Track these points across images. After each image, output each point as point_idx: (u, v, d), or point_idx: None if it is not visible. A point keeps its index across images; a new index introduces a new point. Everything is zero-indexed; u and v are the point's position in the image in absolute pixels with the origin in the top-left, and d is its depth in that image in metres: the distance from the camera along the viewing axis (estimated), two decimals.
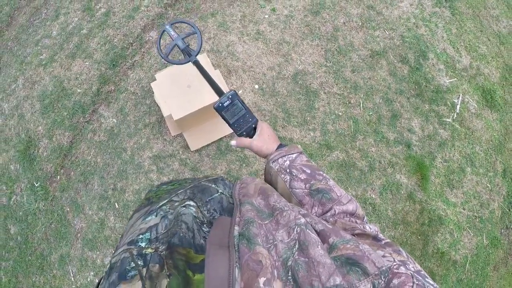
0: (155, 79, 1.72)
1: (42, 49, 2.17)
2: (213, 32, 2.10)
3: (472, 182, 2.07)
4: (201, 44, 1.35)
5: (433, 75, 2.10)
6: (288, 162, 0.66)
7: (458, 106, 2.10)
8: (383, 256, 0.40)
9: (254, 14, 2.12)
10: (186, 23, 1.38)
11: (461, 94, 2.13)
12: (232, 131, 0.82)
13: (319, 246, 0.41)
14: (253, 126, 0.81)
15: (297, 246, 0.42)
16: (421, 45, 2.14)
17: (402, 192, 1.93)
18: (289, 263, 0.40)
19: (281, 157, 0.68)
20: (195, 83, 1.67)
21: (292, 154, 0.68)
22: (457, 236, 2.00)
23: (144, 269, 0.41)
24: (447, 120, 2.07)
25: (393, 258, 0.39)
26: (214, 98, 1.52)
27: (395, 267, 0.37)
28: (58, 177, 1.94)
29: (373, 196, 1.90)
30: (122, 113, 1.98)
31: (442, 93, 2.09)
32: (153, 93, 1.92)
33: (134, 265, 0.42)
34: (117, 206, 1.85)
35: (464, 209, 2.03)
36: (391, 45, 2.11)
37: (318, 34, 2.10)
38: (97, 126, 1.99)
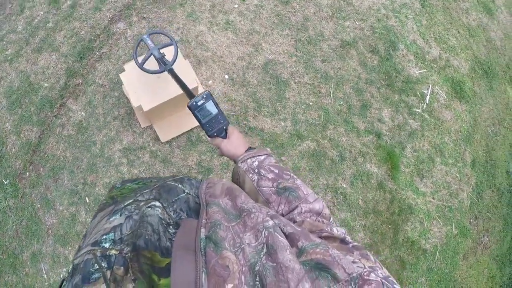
0: (124, 70, 1.67)
1: (7, 45, 2.10)
2: (182, 22, 2.06)
3: (442, 172, 2.10)
4: (177, 55, 1.41)
5: (403, 66, 2.12)
6: (256, 163, 0.67)
7: (427, 97, 2.13)
8: (353, 262, 0.39)
9: (224, 4, 2.09)
10: (163, 34, 1.43)
11: (430, 85, 2.15)
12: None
13: (287, 251, 0.40)
14: (224, 128, 0.82)
15: (265, 250, 0.41)
16: (391, 36, 2.15)
17: (373, 182, 1.94)
18: (257, 268, 0.39)
19: (250, 158, 0.69)
20: (164, 74, 1.63)
21: (260, 155, 0.69)
22: (427, 225, 2.02)
23: (108, 272, 0.40)
24: (417, 110, 2.09)
25: (363, 264, 0.39)
26: None
27: (365, 273, 0.37)
28: (28, 173, 1.88)
29: (344, 185, 1.89)
30: (91, 106, 1.93)
31: (412, 83, 2.11)
32: (122, 84, 1.86)
33: (98, 267, 0.41)
34: (87, 201, 1.80)
35: (433, 198, 2.06)
36: (361, 36, 2.12)
37: (288, 24, 2.08)
38: (66, 120, 1.93)
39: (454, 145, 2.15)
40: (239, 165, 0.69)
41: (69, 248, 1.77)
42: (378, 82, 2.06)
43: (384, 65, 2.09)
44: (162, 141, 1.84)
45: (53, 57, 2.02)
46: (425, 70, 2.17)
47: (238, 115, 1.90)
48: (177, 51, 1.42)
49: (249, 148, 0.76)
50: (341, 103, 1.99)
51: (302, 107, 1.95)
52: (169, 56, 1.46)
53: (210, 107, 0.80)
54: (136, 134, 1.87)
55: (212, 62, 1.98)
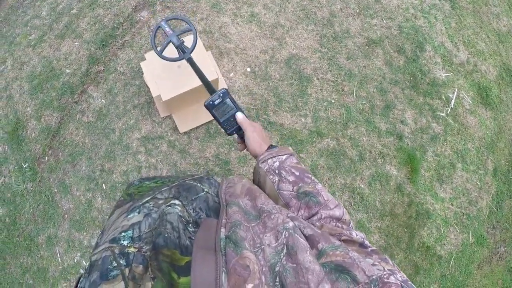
0: (145, 59, 1.67)
1: (31, 30, 2.12)
2: (206, 13, 2.04)
3: (462, 178, 2.05)
4: (196, 42, 1.35)
5: (430, 68, 2.07)
6: (277, 163, 0.65)
7: (452, 101, 2.07)
8: (373, 265, 0.38)
9: None
10: (182, 19, 1.37)
11: (456, 89, 2.10)
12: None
13: (307, 252, 0.40)
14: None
15: (285, 250, 0.41)
16: (419, 36, 2.10)
17: (391, 184, 1.90)
18: (277, 268, 0.39)
19: (271, 157, 0.67)
20: (185, 63, 1.62)
21: (282, 155, 0.67)
22: (443, 231, 1.98)
23: (127, 269, 0.40)
24: (441, 114, 2.04)
25: (383, 267, 0.38)
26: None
27: (385, 276, 0.37)
28: (46, 158, 1.90)
29: (362, 186, 1.87)
30: (111, 94, 1.94)
31: (437, 86, 2.06)
32: (143, 73, 1.87)
33: (116, 264, 0.41)
34: (104, 187, 1.82)
35: (452, 205, 2.01)
36: (388, 35, 2.07)
37: (314, 19, 2.05)
38: (86, 106, 1.94)
39: (476, 152, 2.09)
40: (260, 165, 0.67)
41: (84, 233, 1.80)
42: (403, 83, 2.02)
43: (410, 66, 2.04)
44: (181, 132, 1.84)
45: (76, 43, 2.04)
46: (451, 73, 2.11)
47: (259, 109, 1.89)
48: (196, 38, 1.36)
49: (271, 146, 0.74)
50: (364, 102, 1.96)
51: (324, 104, 1.92)
52: (188, 44, 1.39)
53: (228, 105, 0.78)
54: (155, 124, 1.88)
55: (235, 54, 1.96)
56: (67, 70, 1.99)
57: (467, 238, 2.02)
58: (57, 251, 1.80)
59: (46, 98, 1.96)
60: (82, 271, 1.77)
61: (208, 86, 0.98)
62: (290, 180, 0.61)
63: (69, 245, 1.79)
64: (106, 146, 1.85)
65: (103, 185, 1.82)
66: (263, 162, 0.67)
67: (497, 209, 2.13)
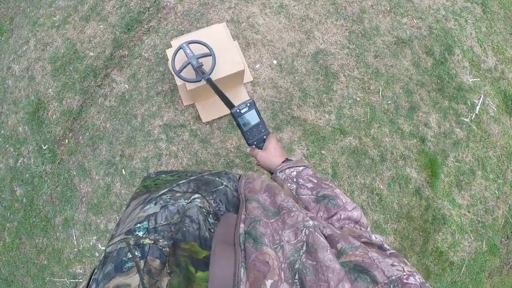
0: (170, 46, 1.64)
1: (55, 11, 2.10)
2: (234, 2, 2.01)
3: (481, 186, 2.03)
4: (214, 66, 1.45)
5: (457, 72, 2.03)
6: (295, 173, 0.67)
7: (477, 107, 2.04)
8: (392, 265, 0.38)
9: None
10: (202, 44, 1.47)
11: (482, 96, 2.06)
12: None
13: (328, 251, 0.40)
14: (264, 137, 0.82)
15: (304, 248, 0.41)
16: (448, 39, 2.06)
17: (410, 187, 1.89)
18: (297, 265, 0.39)
19: (288, 168, 0.69)
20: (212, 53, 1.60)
21: (299, 166, 0.69)
22: (458, 238, 1.97)
23: (142, 261, 0.39)
24: (465, 120, 2.01)
25: (402, 268, 0.38)
26: (231, 70, 1.49)
27: (404, 277, 0.36)
28: (66, 140, 1.89)
29: (381, 186, 1.85)
30: (135, 79, 1.91)
31: (463, 91, 2.02)
32: (168, 60, 1.84)
33: (130, 256, 0.40)
34: (124, 173, 1.81)
35: (469, 212, 2.00)
36: (417, 35, 2.03)
37: (343, 14, 2.01)
38: (109, 91, 1.92)
39: (497, 161, 2.07)
40: (278, 174, 0.68)
41: (101, 217, 1.80)
42: (430, 85, 1.99)
43: (437, 69, 2.01)
44: (203, 121, 1.82)
45: (101, 26, 2.01)
46: (478, 79, 2.07)
47: (283, 103, 1.86)
48: (215, 62, 1.44)
49: (287, 160, 0.75)
50: (389, 102, 1.93)
51: (349, 102, 1.89)
52: (206, 65, 1.50)
53: (253, 115, 0.81)
54: (177, 112, 1.86)
55: (262, 45, 1.93)
56: (91, 53, 1.97)
57: (480, 246, 2.01)
58: (73, 234, 1.80)
59: (68, 81, 1.94)
60: (97, 255, 1.77)
61: (227, 102, 1.03)
62: (309, 186, 0.62)
63: (85, 228, 1.79)
64: (128, 132, 1.84)
65: (123, 170, 1.81)
66: (280, 171, 0.69)
67: None
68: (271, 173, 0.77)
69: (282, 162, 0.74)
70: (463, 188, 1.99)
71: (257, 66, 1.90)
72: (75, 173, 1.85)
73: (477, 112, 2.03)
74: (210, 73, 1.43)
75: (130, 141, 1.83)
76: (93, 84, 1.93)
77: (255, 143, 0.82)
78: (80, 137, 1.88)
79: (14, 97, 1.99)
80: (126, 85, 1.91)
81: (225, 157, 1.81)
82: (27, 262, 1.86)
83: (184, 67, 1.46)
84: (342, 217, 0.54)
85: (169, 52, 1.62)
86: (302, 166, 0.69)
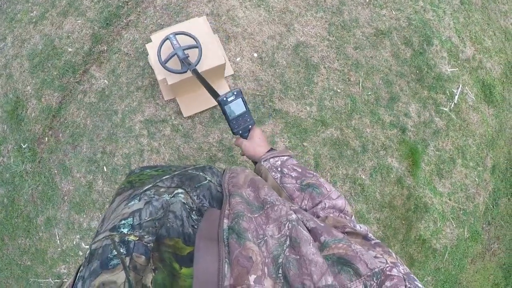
0: (150, 40, 1.63)
1: (32, 6, 2.05)
2: None
3: (461, 174, 2.07)
4: (200, 58, 1.45)
5: (436, 62, 2.06)
6: (279, 162, 0.68)
7: (456, 97, 2.08)
8: (375, 257, 0.39)
9: None
10: (189, 36, 1.48)
11: (460, 85, 2.10)
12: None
13: (311, 244, 0.40)
14: (250, 127, 0.83)
15: (288, 242, 0.41)
16: (426, 29, 2.08)
17: (392, 176, 1.91)
18: (280, 260, 0.39)
19: (273, 157, 0.70)
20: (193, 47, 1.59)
21: (283, 156, 0.70)
22: (440, 225, 2.00)
23: (127, 258, 0.39)
24: (444, 109, 2.04)
25: (385, 260, 0.39)
26: (212, 64, 1.48)
27: (387, 269, 0.37)
28: (46, 138, 1.86)
29: (363, 177, 1.87)
30: (114, 75, 1.89)
31: (442, 81, 2.05)
32: (148, 55, 1.82)
33: (116, 253, 0.40)
34: (105, 170, 1.79)
35: (450, 199, 2.03)
36: (396, 26, 2.05)
37: (323, 6, 2.02)
38: (88, 87, 1.90)
39: (476, 149, 2.11)
40: (262, 163, 0.69)
41: (84, 215, 1.78)
42: (409, 75, 2.01)
43: (416, 59, 2.03)
44: (185, 116, 1.81)
45: (79, 21, 1.98)
46: (457, 69, 2.11)
47: (264, 96, 1.87)
48: (201, 54, 1.45)
49: (271, 149, 0.76)
50: (369, 93, 1.95)
51: (330, 93, 1.91)
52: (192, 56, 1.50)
53: (239, 104, 0.80)
54: (158, 107, 1.85)
55: (242, 38, 1.93)
56: (69, 49, 1.94)
57: (462, 233, 2.05)
58: (56, 233, 1.78)
59: (47, 77, 1.91)
60: (81, 253, 1.75)
61: (213, 92, 1.03)
62: (293, 175, 0.62)
63: (68, 227, 1.77)
64: (108, 128, 1.82)
65: (104, 167, 1.79)
66: (265, 160, 0.70)
67: (493, 206, 2.16)
68: (255, 163, 0.78)
69: (267, 152, 0.75)
70: (443, 177, 2.02)
71: (238, 59, 1.90)
72: (56, 171, 1.82)
73: (456, 102, 2.07)
74: (196, 64, 1.42)
75: (111, 138, 1.81)
76: (72, 80, 1.90)
77: (240, 132, 0.82)
78: (60, 134, 1.86)
79: None
80: (105, 81, 1.89)
81: (208, 151, 1.80)
82: (10, 264, 1.83)
83: (170, 58, 1.45)
84: (326, 205, 0.54)
85: (149, 47, 1.60)
86: (286, 156, 0.70)
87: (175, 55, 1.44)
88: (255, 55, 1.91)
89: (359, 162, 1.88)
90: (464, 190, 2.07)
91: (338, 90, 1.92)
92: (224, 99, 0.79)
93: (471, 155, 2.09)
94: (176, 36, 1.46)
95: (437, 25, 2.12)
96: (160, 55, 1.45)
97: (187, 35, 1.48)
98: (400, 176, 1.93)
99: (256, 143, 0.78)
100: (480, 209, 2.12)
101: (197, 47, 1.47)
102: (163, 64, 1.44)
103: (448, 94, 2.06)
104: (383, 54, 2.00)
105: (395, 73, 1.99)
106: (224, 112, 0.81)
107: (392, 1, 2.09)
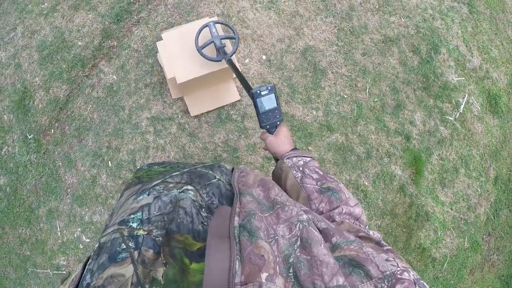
0: (161, 38, 1.63)
1: None
2: None
3: (464, 184, 2.07)
4: (236, 48, 1.46)
5: (443, 71, 2.06)
6: (301, 162, 0.68)
7: (462, 106, 2.08)
8: (387, 260, 0.39)
9: None
10: (229, 27, 1.50)
11: (467, 95, 2.10)
12: (258, 119, 0.85)
13: (322, 245, 0.40)
14: (277, 123, 0.83)
15: (298, 242, 0.41)
16: (435, 38, 2.09)
17: (395, 184, 1.91)
18: (291, 259, 0.39)
19: (296, 156, 0.71)
20: (206, 49, 1.58)
21: (306, 157, 0.71)
22: (440, 234, 2.00)
23: (136, 252, 0.39)
24: (450, 118, 2.05)
25: (397, 263, 0.38)
26: (221, 65, 1.49)
27: (398, 272, 0.37)
28: (52, 130, 1.87)
29: (366, 183, 1.87)
30: (123, 71, 1.90)
31: (448, 90, 2.06)
32: (157, 52, 1.83)
33: (125, 246, 0.40)
34: (110, 165, 1.79)
35: (451, 209, 2.04)
36: (405, 34, 2.05)
37: (333, 11, 2.02)
38: (96, 81, 1.90)
39: (480, 159, 2.11)
40: (285, 160, 0.70)
41: (86, 209, 1.78)
42: (415, 83, 2.01)
43: (423, 67, 2.04)
44: (192, 115, 1.82)
45: (90, 16, 1.98)
46: (463, 78, 2.11)
47: None
48: (237, 45, 1.45)
49: (295, 148, 0.77)
50: (376, 100, 1.95)
51: (336, 98, 1.91)
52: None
53: (271, 99, 0.81)
54: (166, 104, 1.85)
55: (251, 40, 1.93)
56: (79, 43, 1.94)
57: (462, 243, 2.05)
58: (57, 225, 1.78)
59: (55, 70, 1.91)
60: (81, 247, 1.76)
61: (246, 85, 1.04)
62: (314, 177, 0.63)
63: (70, 219, 1.78)
64: (115, 124, 1.83)
65: (109, 162, 1.79)
66: (288, 158, 0.70)
67: (494, 217, 2.17)
68: (276, 160, 0.79)
69: (290, 150, 0.76)
70: (446, 186, 2.03)
71: (246, 60, 1.90)
72: (60, 163, 1.83)
73: (461, 111, 2.07)
74: (232, 55, 1.42)
75: (117, 133, 1.82)
76: (81, 74, 1.91)
77: (267, 127, 0.83)
78: (66, 127, 1.86)
79: (0, 84, 1.96)
80: (114, 76, 1.89)
81: (213, 151, 1.81)
82: (9, 253, 1.84)
83: (207, 45, 1.45)
84: (343, 211, 0.55)
85: (160, 45, 1.60)
86: (309, 157, 0.71)
87: (212, 43, 1.44)
88: (264, 57, 1.92)
89: (363, 168, 1.88)
90: (466, 200, 2.07)
91: (345, 96, 1.92)
92: (258, 92, 0.80)
93: (474, 165, 2.09)
94: (216, 24, 1.47)
95: (445, 33, 2.12)
96: (197, 41, 1.44)
97: (226, 25, 1.50)
98: (403, 184, 1.93)
99: (281, 140, 0.79)
100: (481, 220, 2.12)
101: (234, 38, 1.47)
102: (200, 49, 1.43)
103: (454, 103, 2.07)
104: (391, 61, 2.00)
105: (402, 81, 2.00)
106: (256, 105, 0.81)
107: (401, 8, 2.09)
